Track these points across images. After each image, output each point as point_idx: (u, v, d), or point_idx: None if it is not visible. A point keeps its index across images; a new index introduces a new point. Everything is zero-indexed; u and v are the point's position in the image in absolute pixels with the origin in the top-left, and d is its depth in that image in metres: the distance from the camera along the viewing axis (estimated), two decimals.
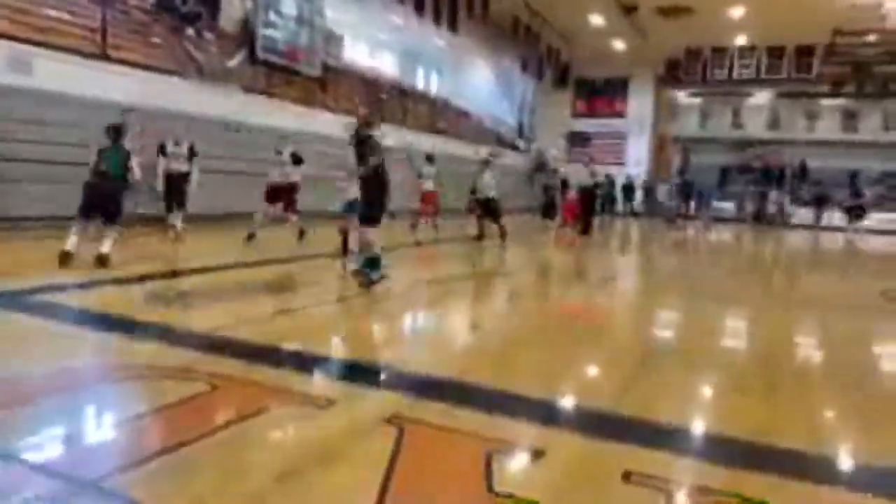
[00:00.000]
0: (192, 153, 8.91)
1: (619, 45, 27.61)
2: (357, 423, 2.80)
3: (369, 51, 18.86)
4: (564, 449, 2.67)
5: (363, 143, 6.05)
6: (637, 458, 2.57)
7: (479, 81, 24.35)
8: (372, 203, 6.04)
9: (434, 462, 2.45)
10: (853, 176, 27.47)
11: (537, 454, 2.59)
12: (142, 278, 5.90)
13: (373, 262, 6.04)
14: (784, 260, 14.56)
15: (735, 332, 5.78)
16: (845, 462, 2.81)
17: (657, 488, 2.31)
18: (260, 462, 2.36)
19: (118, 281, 5.71)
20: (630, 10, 23.36)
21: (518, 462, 2.57)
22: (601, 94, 31.24)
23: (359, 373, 3.68)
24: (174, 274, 6.51)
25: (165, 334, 4.11)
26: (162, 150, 8.72)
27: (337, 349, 4.39)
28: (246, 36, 14.04)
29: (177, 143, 8.82)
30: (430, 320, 5.55)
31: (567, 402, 3.40)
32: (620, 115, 30.75)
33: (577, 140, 30.75)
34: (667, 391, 3.62)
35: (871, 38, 24.93)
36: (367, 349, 4.47)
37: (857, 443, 3.01)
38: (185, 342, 3.98)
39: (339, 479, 2.27)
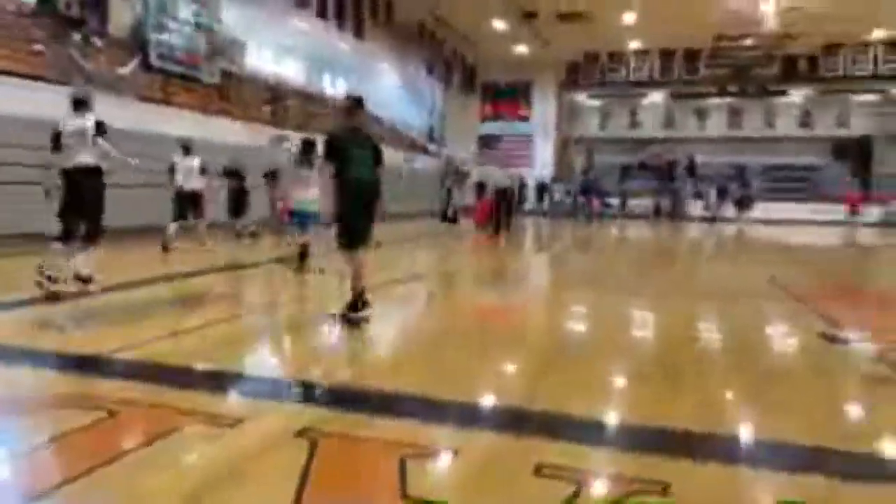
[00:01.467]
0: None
1: (521, 49, 28.39)
2: (268, 439, 2.72)
3: (273, 57, 18.46)
4: (477, 448, 2.70)
5: (344, 141, 4.90)
6: (548, 451, 2.64)
7: (388, 87, 24.35)
8: (352, 220, 4.95)
9: (347, 472, 2.42)
10: (741, 169, 29.52)
11: (451, 455, 2.61)
12: (29, 302, 5.48)
13: (357, 300, 5.02)
14: (683, 252, 15.40)
15: (639, 323, 6.05)
16: (744, 440, 2.99)
17: (568, 479, 2.38)
18: (164, 487, 2.24)
19: (1, 306, 5.29)
20: (530, 16, 24.06)
21: (432, 465, 2.58)
22: (506, 97, 32.06)
23: (269, 388, 3.58)
24: (63, 297, 6.05)
25: (56, 360, 3.84)
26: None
27: (246, 365, 4.24)
28: (138, 42, 13.40)
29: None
30: (343, 330, 5.47)
31: (480, 402, 3.44)
32: (525, 118, 31.68)
33: (488, 143, 31.40)
34: (577, 385, 3.74)
35: (749, 42, 26.88)
36: (277, 364, 4.36)
37: (754, 421, 3.22)
38: (79, 368, 3.73)
39: (249, 497, 2.19)
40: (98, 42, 12.40)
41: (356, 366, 4.20)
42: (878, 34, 26.10)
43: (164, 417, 2.90)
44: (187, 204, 9.36)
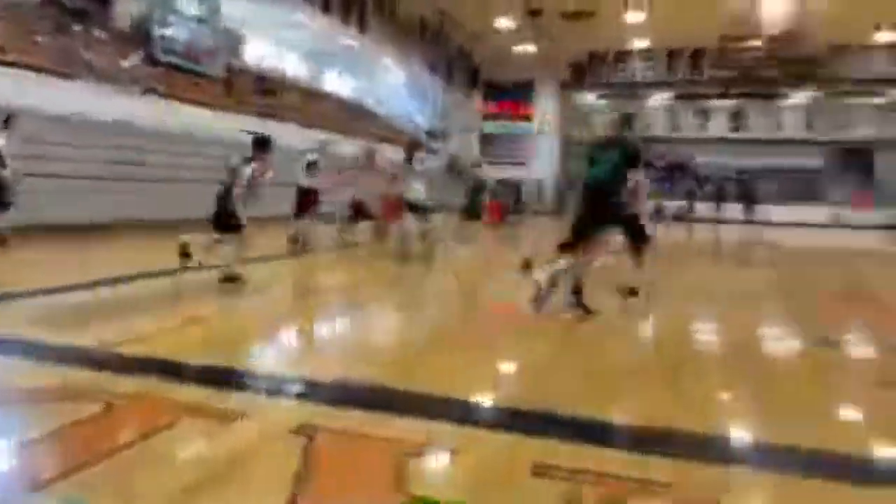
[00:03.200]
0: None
1: (526, 48, 28.34)
2: (264, 435, 2.69)
3: (275, 51, 18.46)
4: (478, 447, 2.67)
5: (591, 149, 5.42)
6: (548, 451, 2.61)
7: (390, 83, 24.29)
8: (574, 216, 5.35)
9: (345, 469, 2.39)
10: (743, 172, 29.41)
11: (452, 454, 2.58)
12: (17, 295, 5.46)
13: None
14: (705, 256, 15.29)
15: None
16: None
17: (567, 480, 2.35)
18: (158, 482, 2.22)
19: None
20: (535, 14, 24.05)
21: (433, 463, 2.55)
22: (509, 96, 32.03)
23: (267, 384, 3.54)
24: (54, 290, 6.00)
25: (49, 353, 3.81)
26: None
27: (244, 360, 4.20)
28: (142, 35, 13.38)
29: None
30: (349, 325, 5.45)
31: (481, 400, 3.41)
32: (528, 117, 31.66)
33: (489, 142, 31.38)
34: (582, 383, 3.71)
35: (754, 43, 26.84)
36: (275, 359, 4.32)
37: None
38: (73, 360, 3.70)
39: (243, 493, 2.17)
40: (101, 34, 12.38)
41: (358, 361, 4.13)
42: (883, 37, 26.01)
43: (158, 412, 2.86)
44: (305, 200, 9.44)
